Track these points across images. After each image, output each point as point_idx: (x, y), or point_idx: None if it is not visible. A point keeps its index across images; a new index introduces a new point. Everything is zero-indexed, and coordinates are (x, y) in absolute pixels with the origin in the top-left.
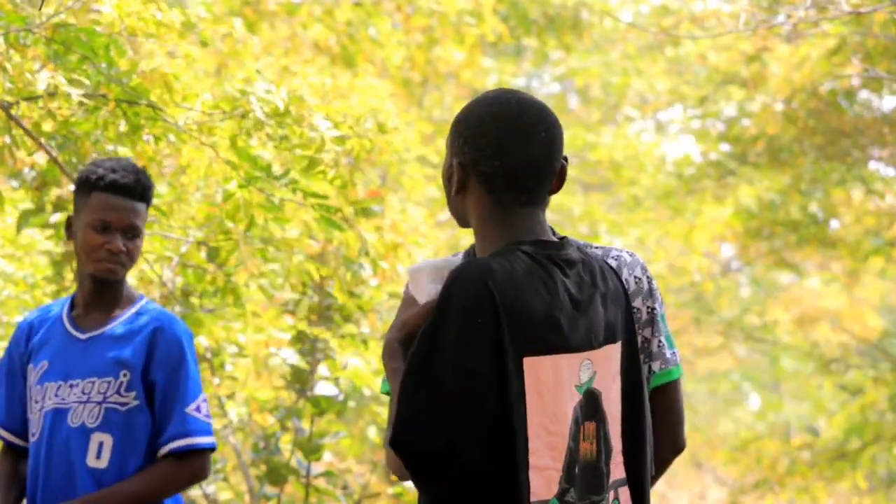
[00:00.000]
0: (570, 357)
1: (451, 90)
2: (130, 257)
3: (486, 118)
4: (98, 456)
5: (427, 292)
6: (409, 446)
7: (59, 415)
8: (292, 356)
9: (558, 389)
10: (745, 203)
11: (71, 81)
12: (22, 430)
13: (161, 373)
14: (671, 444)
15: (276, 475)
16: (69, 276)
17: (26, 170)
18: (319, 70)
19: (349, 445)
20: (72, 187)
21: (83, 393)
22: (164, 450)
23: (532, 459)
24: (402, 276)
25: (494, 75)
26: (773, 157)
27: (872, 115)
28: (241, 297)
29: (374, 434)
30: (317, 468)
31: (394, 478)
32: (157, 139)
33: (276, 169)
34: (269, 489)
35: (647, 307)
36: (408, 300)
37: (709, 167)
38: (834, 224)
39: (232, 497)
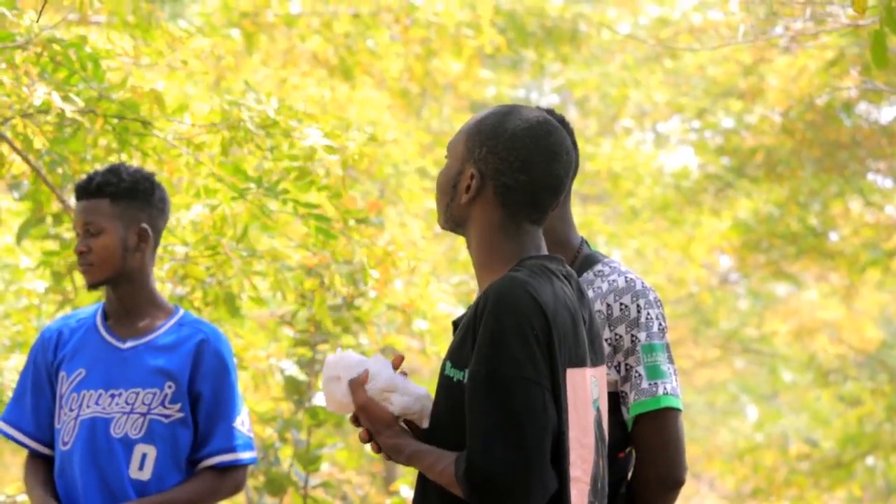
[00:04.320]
0: (587, 371)
1: (450, 101)
2: (97, 255)
3: (519, 132)
4: (141, 467)
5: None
6: (489, 473)
7: (98, 424)
8: (291, 367)
9: (586, 403)
10: (742, 217)
11: (64, 98)
12: (49, 440)
13: (206, 385)
14: (658, 480)
15: (275, 486)
16: (70, 286)
17: (25, 182)
18: (318, 82)
19: (347, 456)
20: (70, 200)
21: (126, 403)
22: (208, 463)
23: (571, 472)
24: (397, 288)
25: (492, 87)
26: (771, 169)
27: (870, 127)
28: (238, 309)
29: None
30: (315, 479)
31: (393, 488)
32: (144, 155)
33: (267, 181)
34: (268, 500)
35: (631, 335)
36: (338, 402)
37: (707, 180)
38: (832, 236)
39: None
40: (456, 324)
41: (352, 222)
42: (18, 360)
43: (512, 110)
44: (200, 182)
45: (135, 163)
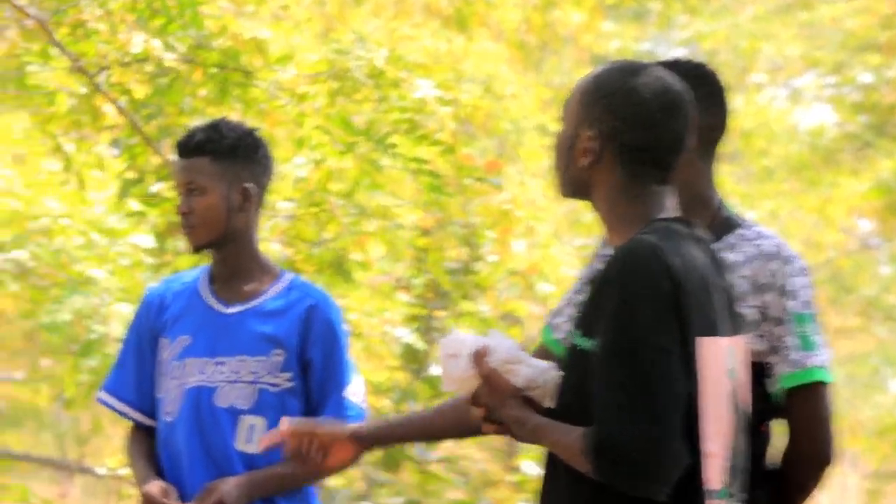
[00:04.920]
0: (724, 341)
1: (570, 55)
2: (199, 216)
3: (638, 89)
4: (248, 440)
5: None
6: (618, 447)
7: (203, 393)
8: (407, 335)
9: (720, 373)
10: (883, 177)
11: (165, 45)
12: (152, 411)
13: (317, 352)
14: (806, 458)
15: (392, 462)
16: (173, 247)
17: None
18: (432, 34)
19: None
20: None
21: (233, 372)
22: None
23: (704, 445)
24: (518, 251)
25: (616, 40)
26: None
27: None
28: (350, 273)
29: None
30: (434, 454)
31: (514, 463)
32: (245, 106)
33: (376, 134)
34: (384, 476)
35: (780, 304)
36: (457, 378)
37: (845, 139)
38: None
39: (345, 484)
40: (592, 283)
41: (468, 181)
42: (126, 317)
43: (627, 65)
44: (304, 135)
45: (235, 115)
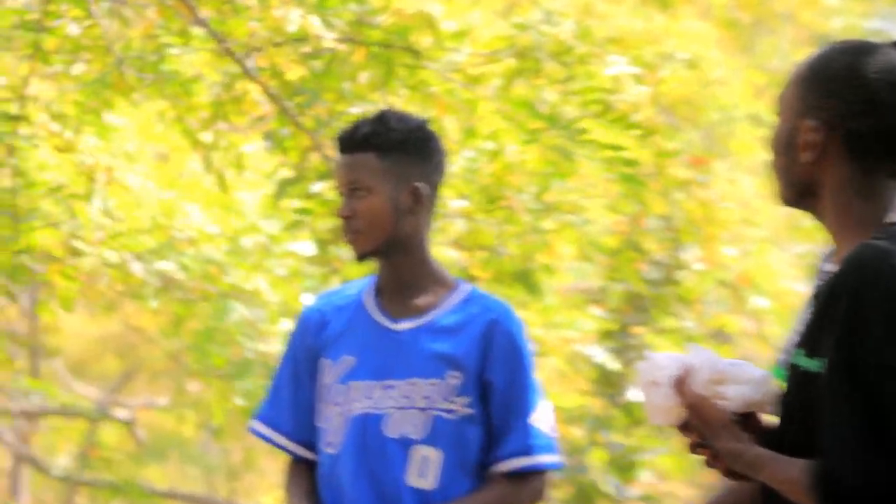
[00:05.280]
0: None
1: (788, 34)
2: (364, 220)
3: (857, 68)
4: (422, 474)
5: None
6: (847, 483)
7: (370, 421)
8: (601, 354)
9: None
10: None
11: (324, 23)
12: (312, 442)
13: (499, 374)
14: None
15: (584, 497)
16: (336, 256)
17: (285, 131)
18: (629, 11)
19: (672, 463)
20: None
21: (403, 397)
22: (502, 467)
23: None
24: (727, 258)
25: (839, 17)
26: None
27: None
28: (536, 282)
29: None
30: (633, 490)
31: None
32: (411, 90)
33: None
34: None
35: None
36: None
37: None
38: None
39: None
40: (817, 297)
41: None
42: (282, 336)
43: (842, 46)
44: (478, 122)
45: (400, 101)
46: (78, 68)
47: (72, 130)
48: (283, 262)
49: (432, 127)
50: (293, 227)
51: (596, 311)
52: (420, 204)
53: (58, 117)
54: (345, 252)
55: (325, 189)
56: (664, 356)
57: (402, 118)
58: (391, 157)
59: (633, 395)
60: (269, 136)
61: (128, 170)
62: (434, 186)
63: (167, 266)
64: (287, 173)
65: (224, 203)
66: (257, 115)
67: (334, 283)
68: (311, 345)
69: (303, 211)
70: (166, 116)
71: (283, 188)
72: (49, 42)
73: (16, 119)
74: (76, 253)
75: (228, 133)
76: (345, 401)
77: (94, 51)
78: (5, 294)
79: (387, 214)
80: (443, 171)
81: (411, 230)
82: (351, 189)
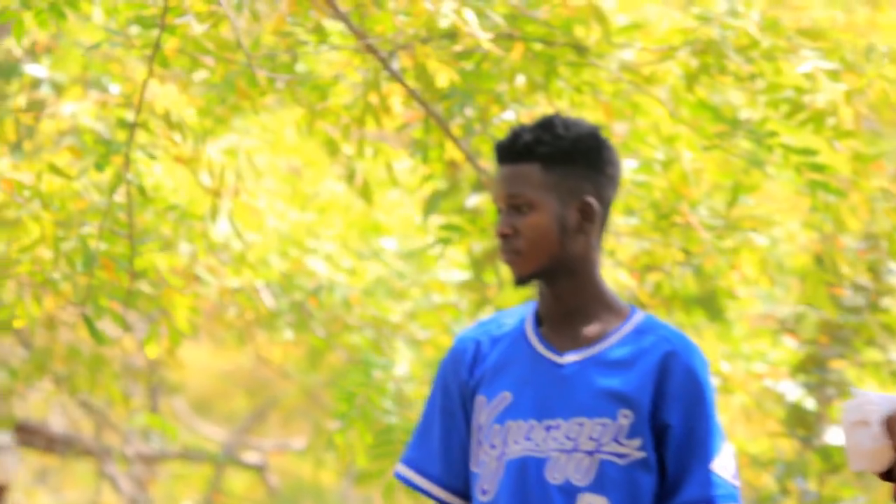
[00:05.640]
0: None
1: None
2: (526, 239)
3: None
4: None
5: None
6: None
7: (530, 465)
8: (794, 391)
9: None
10: None
11: (479, 16)
12: (464, 488)
13: (677, 414)
14: None
15: None
16: (493, 280)
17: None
18: (826, 3)
19: None
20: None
21: (568, 438)
22: None
23: None
24: None
25: None
26: None
27: None
28: (719, 309)
29: None
30: None
31: None
32: (576, 91)
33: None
34: None
35: None
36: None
37: None
38: None
39: None
40: None
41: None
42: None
43: None
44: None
45: (562, 104)
46: (201, 71)
47: (194, 140)
48: (432, 289)
49: (606, 135)
50: (442, 242)
51: (788, 341)
52: (590, 221)
53: (178, 126)
54: (500, 276)
55: (479, 204)
56: (874, 394)
57: (569, 124)
58: (558, 169)
59: (832, 436)
60: (414, 145)
61: (256, 186)
62: (606, 202)
63: (301, 295)
64: (436, 186)
65: (365, 225)
66: (402, 122)
67: (487, 313)
68: (464, 380)
69: (453, 228)
70: (300, 124)
71: (434, 203)
72: (170, 41)
73: (132, 127)
74: (197, 279)
75: (374, 142)
76: (502, 443)
77: (220, 49)
78: (121, 324)
79: (552, 232)
80: (616, 184)
81: (579, 251)
82: (512, 204)
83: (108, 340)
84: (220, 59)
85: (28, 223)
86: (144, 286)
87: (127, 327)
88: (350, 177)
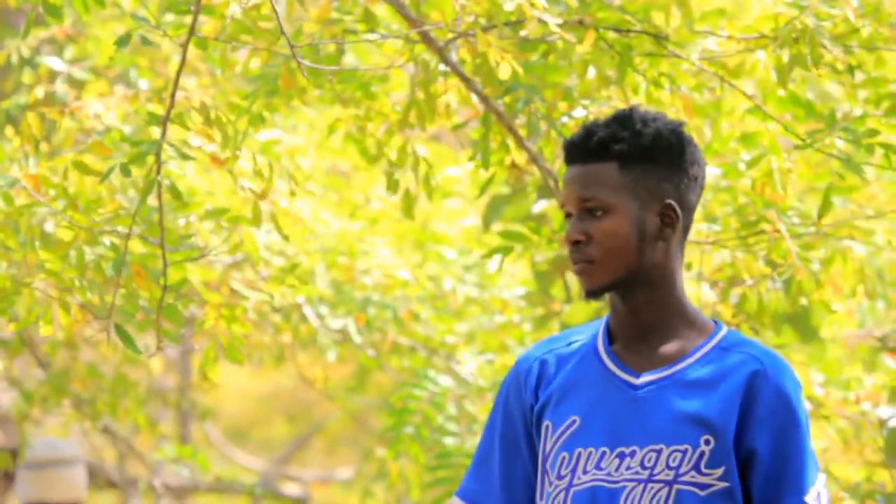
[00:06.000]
0: None
1: None
2: (600, 247)
3: None
4: None
5: None
6: None
7: (601, 497)
8: (894, 417)
9: None
10: None
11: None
12: None
13: (765, 440)
14: None
15: None
16: (560, 293)
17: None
18: None
19: None
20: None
21: (643, 467)
22: None
23: None
24: None
25: None
26: None
27: None
28: (813, 326)
29: None
30: None
31: None
32: (653, 86)
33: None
34: None
35: None
36: None
37: None
38: None
39: None
40: None
41: None
42: (486, 404)
43: None
44: (735, 124)
45: (639, 99)
46: (239, 61)
47: (234, 138)
48: (493, 307)
49: (689, 132)
50: (502, 252)
51: (889, 361)
52: (671, 227)
53: (217, 121)
54: (567, 288)
55: (545, 210)
56: None
57: (649, 119)
58: (636, 169)
59: None
60: (473, 146)
61: (300, 191)
62: (690, 206)
63: (347, 311)
64: (498, 192)
65: (421, 236)
66: (459, 122)
67: (552, 330)
68: (528, 403)
69: (513, 237)
70: (339, 124)
71: (495, 209)
72: (207, 25)
73: (164, 124)
74: (234, 294)
75: (422, 142)
76: (570, 473)
77: (259, 38)
78: (160, 340)
79: (630, 240)
80: (701, 186)
81: (659, 260)
82: (584, 208)
83: (141, 355)
84: (259, 49)
85: (57, 228)
86: (177, 300)
87: (165, 344)
88: (393, 187)
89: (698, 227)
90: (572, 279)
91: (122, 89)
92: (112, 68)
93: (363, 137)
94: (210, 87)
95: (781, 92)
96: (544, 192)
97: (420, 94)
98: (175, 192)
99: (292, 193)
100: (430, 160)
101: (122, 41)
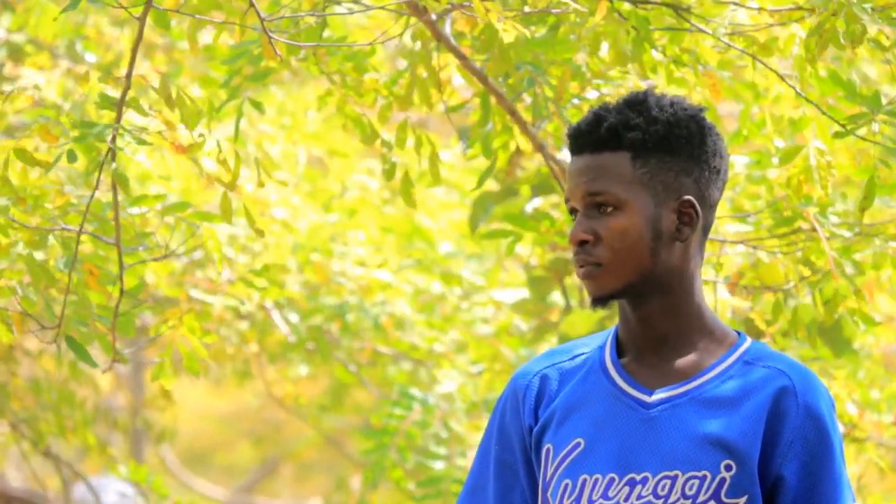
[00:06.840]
0: None
1: None
2: (609, 247)
3: None
4: None
5: None
6: None
7: None
8: None
9: None
10: None
11: None
12: None
13: (793, 466)
14: None
15: None
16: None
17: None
18: None
19: None
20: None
21: (656, 496)
22: None
23: None
24: None
25: None
26: None
27: None
28: (849, 341)
29: None
30: None
31: None
32: (673, 64)
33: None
34: None
35: None
36: None
37: None
38: None
39: None
40: None
41: None
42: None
43: None
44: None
45: (659, 79)
46: (204, 37)
47: (195, 124)
48: (483, 312)
49: (709, 117)
50: (509, 237)
51: None
52: (690, 225)
53: (177, 102)
54: (566, 294)
55: (545, 206)
56: None
57: (666, 104)
58: (651, 160)
59: None
60: (465, 133)
61: (268, 180)
62: (710, 202)
63: (322, 317)
64: (493, 184)
65: (405, 230)
66: (458, 102)
67: (550, 344)
68: (527, 423)
69: (511, 235)
70: (322, 103)
71: (483, 207)
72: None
73: (118, 107)
74: (192, 299)
75: (419, 125)
76: (573, 502)
77: (230, 12)
78: (110, 352)
79: (643, 240)
80: (724, 180)
81: (675, 262)
82: (591, 204)
83: (98, 368)
84: (229, 24)
85: None
86: (129, 306)
87: (120, 357)
88: (390, 172)
89: (725, 225)
90: (572, 286)
91: (68, 63)
92: (55, 40)
93: (357, 116)
94: (166, 66)
95: (823, 73)
96: (540, 188)
97: (422, 71)
98: (122, 180)
99: (261, 184)
100: (426, 141)
101: (72, 3)
